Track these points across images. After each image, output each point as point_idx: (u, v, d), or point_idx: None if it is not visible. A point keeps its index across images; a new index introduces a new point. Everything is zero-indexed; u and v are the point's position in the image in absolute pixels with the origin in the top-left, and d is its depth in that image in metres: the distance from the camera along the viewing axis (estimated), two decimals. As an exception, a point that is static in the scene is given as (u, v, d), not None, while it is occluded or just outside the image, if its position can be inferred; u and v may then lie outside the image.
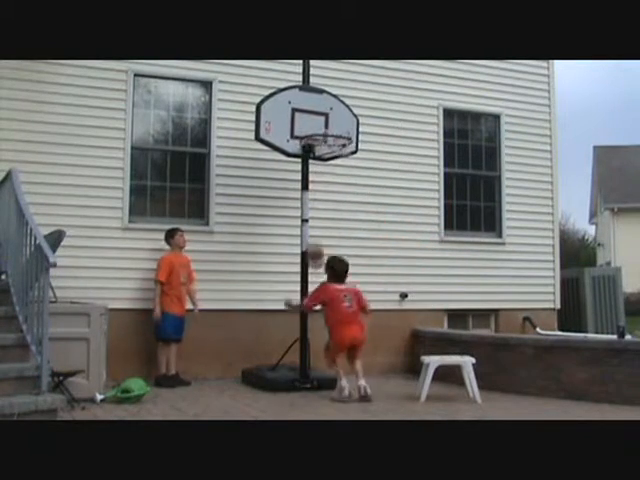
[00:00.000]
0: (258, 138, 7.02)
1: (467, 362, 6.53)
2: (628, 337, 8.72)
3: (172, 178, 7.72)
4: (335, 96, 7.53)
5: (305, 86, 7.36)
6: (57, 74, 7.16)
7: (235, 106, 7.83)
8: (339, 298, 6.56)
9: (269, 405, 6.09)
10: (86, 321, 6.04)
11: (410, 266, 8.64)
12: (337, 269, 6.73)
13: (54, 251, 5.28)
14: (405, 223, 8.62)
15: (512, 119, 9.42)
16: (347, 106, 7.59)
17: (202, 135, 7.91)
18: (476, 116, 9.34)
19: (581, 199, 50.80)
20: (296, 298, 7.03)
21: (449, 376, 6.83)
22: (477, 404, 6.23)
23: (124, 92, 7.49)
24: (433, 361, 6.49)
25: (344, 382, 6.33)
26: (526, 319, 9.21)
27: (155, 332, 7.05)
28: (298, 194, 7.32)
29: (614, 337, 7.77)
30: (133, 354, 7.05)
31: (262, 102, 7.03)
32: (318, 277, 7.24)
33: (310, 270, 7.11)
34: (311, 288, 7.12)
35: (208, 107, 7.90)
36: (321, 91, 7.42)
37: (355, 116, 7.62)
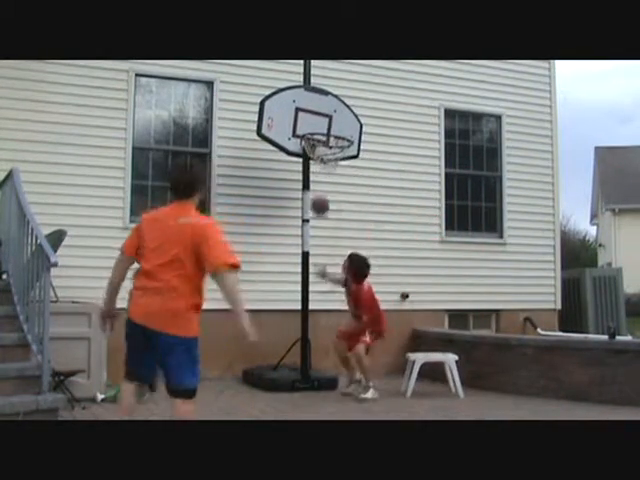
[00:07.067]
0: (259, 134, 7.03)
1: (450, 359, 6.85)
2: (628, 338, 8.72)
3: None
4: (340, 99, 7.54)
5: (310, 87, 7.37)
6: (57, 74, 7.17)
7: (236, 106, 7.83)
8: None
9: (270, 405, 6.10)
10: (87, 321, 6.06)
11: (411, 266, 8.64)
12: (368, 269, 6.66)
13: (55, 251, 5.29)
14: (406, 223, 8.62)
15: (513, 119, 9.42)
16: (351, 110, 7.60)
17: (203, 135, 7.92)
18: (477, 116, 9.34)
19: (582, 200, 50.86)
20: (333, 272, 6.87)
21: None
22: (460, 399, 6.61)
23: (125, 92, 7.50)
24: (418, 358, 6.80)
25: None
26: (527, 319, 9.21)
27: None
28: (299, 194, 7.32)
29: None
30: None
31: (266, 98, 7.05)
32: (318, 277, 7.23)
33: (311, 271, 7.10)
34: (312, 288, 7.11)
35: (209, 107, 7.91)
36: (326, 93, 7.42)
37: (359, 121, 7.62)
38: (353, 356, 6.53)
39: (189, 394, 3.72)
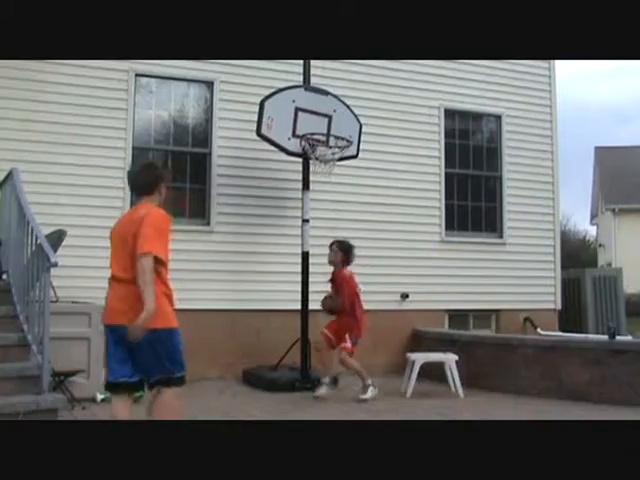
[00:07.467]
0: (259, 134, 7.03)
1: (450, 359, 6.88)
2: (628, 338, 8.71)
3: (173, 178, 7.72)
4: (340, 99, 7.54)
5: (310, 87, 7.37)
6: (58, 74, 7.17)
7: (236, 106, 7.83)
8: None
9: (270, 405, 6.10)
10: (87, 321, 6.07)
11: (411, 266, 8.64)
12: (353, 254, 6.64)
13: (55, 251, 5.29)
14: (406, 223, 8.63)
15: (513, 119, 9.42)
16: (351, 110, 7.61)
17: (203, 135, 7.92)
18: (477, 116, 9.34)
19: (582, 200, 50.86)
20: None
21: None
22: (460, 399, 6.61)
23: (125, 92, 7.51)
24: (418, 358, 6.83)
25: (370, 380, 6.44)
26: (527, 319, 9.21)
27: None
28: (299, 194, 7.33)
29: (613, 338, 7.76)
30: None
31: (266, 98, 7.04)
32: (319, 277, 7.24)
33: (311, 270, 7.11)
34: (312, 288, 7.12)
35: (209, 107, 7.92)
36: (326, 93, 7.43)
37: (358, 121, 7.62)
38: (339, 361, 6.48)
39: (176, 382, 3.76)
